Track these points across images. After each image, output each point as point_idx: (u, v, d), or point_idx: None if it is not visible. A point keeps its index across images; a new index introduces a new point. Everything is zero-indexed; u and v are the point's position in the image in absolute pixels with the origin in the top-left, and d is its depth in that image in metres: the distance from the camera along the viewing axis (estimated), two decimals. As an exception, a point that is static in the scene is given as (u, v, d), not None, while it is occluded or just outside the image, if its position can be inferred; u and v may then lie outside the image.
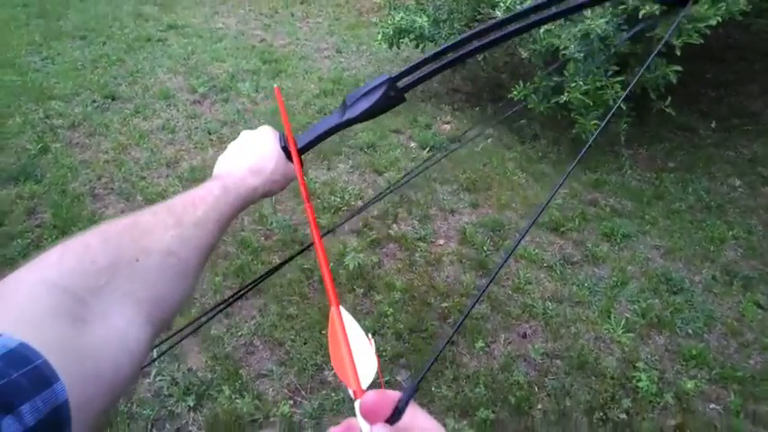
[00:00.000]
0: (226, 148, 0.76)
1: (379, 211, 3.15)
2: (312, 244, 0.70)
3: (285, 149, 0.75)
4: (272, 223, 3.00)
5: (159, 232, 0.53)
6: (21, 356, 0.34)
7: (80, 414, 0.36)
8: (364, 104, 0.76)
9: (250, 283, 0.86)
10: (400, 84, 0.77)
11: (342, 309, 0.54)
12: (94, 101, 4.16)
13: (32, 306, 0.39)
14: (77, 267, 0.44)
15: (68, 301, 0.41)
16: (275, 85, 0.91)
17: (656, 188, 3.54)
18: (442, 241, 2.99)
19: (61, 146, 3.59)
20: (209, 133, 3.82)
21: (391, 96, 0.76)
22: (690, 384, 2.24)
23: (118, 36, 5.40)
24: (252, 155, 0.72)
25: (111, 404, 0.41)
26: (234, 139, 0.77)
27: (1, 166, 3.34)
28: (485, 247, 2.92)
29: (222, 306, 0.95)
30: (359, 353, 0.46)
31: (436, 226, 3.10)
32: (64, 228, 2.84)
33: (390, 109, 0.78)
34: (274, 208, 3.13)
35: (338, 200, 3.20)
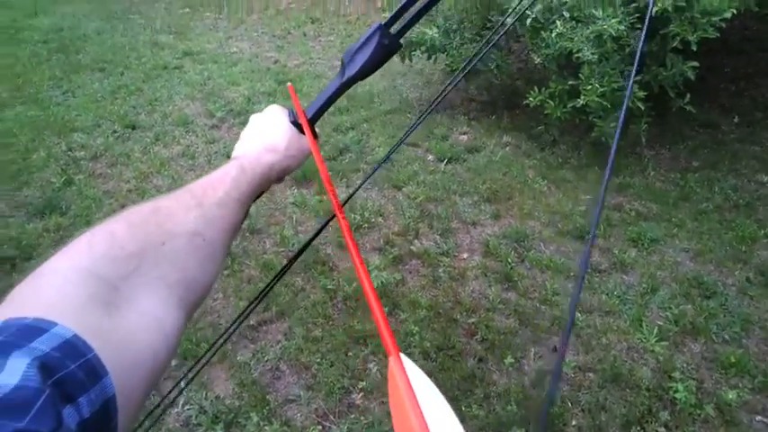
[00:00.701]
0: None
1: (399, 227, 3.13)
2: (334, 217, 0.68)
3: (296, 124, 0.75)
4: (293, 245, 3.00)
5: (182, 214, 0.53)
6: (75, 348, 0.34)
7: (124, 403, 0.36)
8: (361, 59, 0.75)
9: (265, 288, 0.86)
10: (393, 30, 0.75)
11: (403, 357, 0.44)
12: (115, 131, 4.23)
13: (72, 295, 0.39)
14: (108, 254, 0.44)
15: (103, 288, 0.41)
16: (289, 84, 0.91)
17: (682, 189, 3.46)
18: (465, 255, 2.96)
19: (84, 177, 3.65)
20: (229, 157, 3.81)
21: (386, 44, 0.75)
22: (731, 395, 2.15)
23: (135, 66, 5.51)
24: (264, 134, 0.73)
25: (150, 389, 0.42)
26: None
27: (27, 201, 3.41)
28: (509, 259, 2.87)
29: (241, 318, 0.95)
30: (436, 421, 0.35)
31: (459, 239, 3.06)
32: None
33: (388, 59, 0.77)
34: (296, 229, 3.14)
35: (358, 217, 3.19)
